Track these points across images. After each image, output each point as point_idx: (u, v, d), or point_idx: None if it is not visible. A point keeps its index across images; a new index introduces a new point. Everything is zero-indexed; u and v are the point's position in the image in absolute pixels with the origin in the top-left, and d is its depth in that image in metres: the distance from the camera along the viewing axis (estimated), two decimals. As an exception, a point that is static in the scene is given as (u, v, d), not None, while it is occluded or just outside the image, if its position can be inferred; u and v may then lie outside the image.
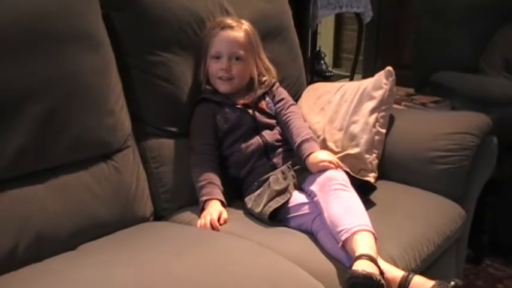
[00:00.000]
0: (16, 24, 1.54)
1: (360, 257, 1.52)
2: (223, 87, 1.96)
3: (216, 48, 1.94)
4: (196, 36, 1.99)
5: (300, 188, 1.82)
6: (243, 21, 2.00)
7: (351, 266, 1.51)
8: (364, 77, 4.49)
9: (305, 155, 1.85)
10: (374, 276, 1.46)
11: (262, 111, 1.99)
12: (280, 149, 1.95)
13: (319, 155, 1.82)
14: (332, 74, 4.60)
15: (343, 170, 1.80)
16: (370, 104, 2.10)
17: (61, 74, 1.62)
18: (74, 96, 1.65)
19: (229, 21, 1.97)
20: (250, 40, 1.97)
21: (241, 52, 1.95)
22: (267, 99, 2.03)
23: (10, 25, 1.53)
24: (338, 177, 1.74)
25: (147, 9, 1.90)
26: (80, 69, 1.67)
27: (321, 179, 1.74)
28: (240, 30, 1.96)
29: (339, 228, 1.60)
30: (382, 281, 1.47)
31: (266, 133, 1.96)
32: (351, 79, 4.20)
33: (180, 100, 1.97)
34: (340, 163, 1.82)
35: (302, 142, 1.89)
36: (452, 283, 1.52)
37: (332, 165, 1.78)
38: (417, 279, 1.56)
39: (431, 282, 1.54)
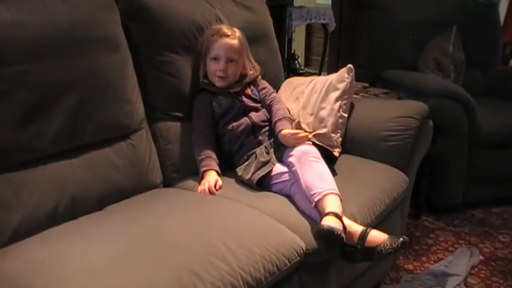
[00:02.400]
0: (55, 32, 1.55)
1: (328, 214, 1.52)
2: (219, 83, 1.94)
3: (215, 52, 1.92)
4: (196, 41, 1.98)
5: (280, 160, 1.80)
6: (235, 30, 1.98)
7: (321, 221, 1.51)
8: (329, 73, 4.51)
9: (277, 131, 1.85)
10: (335, 230, 1.47)
11: (249, 97, 1.97)
12: (265, 129, 1.94)
13: (287, 130, 1.82)
14: (304, 71, 4.60)
15: (314, 144, 1.80)
16: (335, 94, 2.10)
17: (89, 70, 1.62)
18: (99, 88, 1.65)
19: (225, 29, 1.95)
20: (242, 45, 1.96)
21: (236, 56, 1.94)
22: (251, 87, 2.02)
23: (50, 32, 1.54)
24: (312, 151, 1.72)
25: (158, 19, 1.88)
26: (104, 66, 1.66)
27: (297, 152, 1.72)
28: (235, 38, 1.94)
29: (312, 191, 1.60)
30: (343, 235, 1.48)
31: (253, 115, 1.94)
32: (319, 75, 4.16)
33: (183, 91, 1.95)
34: (301, 133, 1.80)
35: (276, 121, 1.89)
36: (401, 239, 1.52)
37: (299, 135, 1.77)
38: (373, 233, 1.56)
39: (385, 236, 1.55)
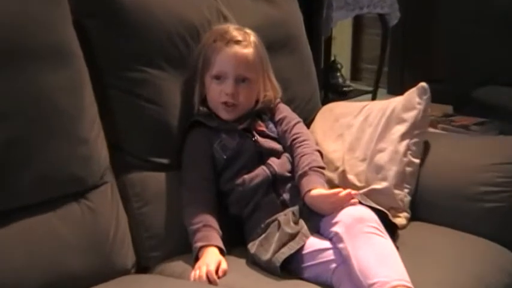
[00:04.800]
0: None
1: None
2: (226, 114, 1.97)
3: (220, 67, 1.94)
4: (188, 49, 2.01)
5: (317, 231, 1.81)
6: (249, 32, 2.01)
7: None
8: (390, 92, 4.50)
9: (303, 193, 1.86)
10: None
11: (263, 134, 2.00)
12: (292, 182, 1.95)
13: (317, 192, 1.83)
14: (350, 89, 4.63)
15: (368, 206, 1.80)
16: (400, 129, 2.10)
17: (21, 96, 1.63)
18: (37, 122, 1.66)
19: (234, 32, 1.98)
20: (260, 57, 1.99)
21: (250, 73, 1.96)
22: (264, 118, 2.05)
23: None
24: (369, 218, 1.73)
25: (129, 15, 1.90)
26: (45, 89, 1.68)
27: (347, 219, 1.73)
28: (248, 45, 1.97)
29: (371, 280, 1.59)
30: None
31: (273, 161, 1.96)
32: (374, 95, 4.25)
33: (169, 125, 1.97)
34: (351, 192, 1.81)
35: (301, 176, 1.90)
36: None
37: (340, 195, 1.77)
38: None
39: None
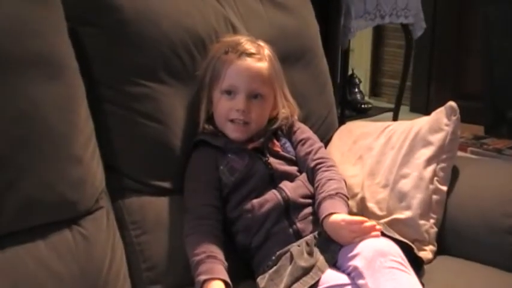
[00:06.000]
0: None
1: None
2: (236, 133, 1.98)
3: (231, 81, 1.95)
4: (193, 61, 2.02)
5: (333, 264, 1.80)
6: (262, 44, 2.03)
7: None
8: (414, 110, 4.49)
9: (322, 216, 1.85)
10: None
11: (278, 155, 2.01)
12: (307, 209, 1.95)
13: (340, 217, 1.81)
14: (369, 106, 4.62)
15: (390, 238, 1.80)
16: (426, 152, 2.09)
17: (9, 111, 1.62)
18: (26, 140, 1.65)
19: (247, 44, 1.99)
20: (275, 72, 2.01)
21: (264, 89, 1.97)
22: (281, 138, 2.05)
23: None
24: (392, 252, 1.73)
25: (129, 24, 1.91)
26: (34, 103, 1.67)
27: (368, 251, 1.72)
28: (263, 59, 1.99)
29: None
30: None
31: (286, 185, 1.95)
32: (396, 114, 4.23)
33: (171, 144, 1.98)
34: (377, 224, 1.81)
35: (322, 200, 1.89)
36: None
37: (364, 226, 1.77)
38: None
39: None
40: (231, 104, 1.96)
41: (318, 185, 1.96)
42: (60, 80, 1.74)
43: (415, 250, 1.89)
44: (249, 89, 1.95)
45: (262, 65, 1.98)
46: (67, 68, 1.78)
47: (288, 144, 2.06)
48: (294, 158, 2.04)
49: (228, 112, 1.96)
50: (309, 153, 2.04)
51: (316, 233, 1.88)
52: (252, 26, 2.16)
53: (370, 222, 1.78)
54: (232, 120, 1.96)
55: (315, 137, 2.10)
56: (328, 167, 2.01)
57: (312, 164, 2.01)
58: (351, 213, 1.88)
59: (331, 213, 1.83)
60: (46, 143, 1.69)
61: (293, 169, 2.01)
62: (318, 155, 2.03)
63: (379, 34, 5.49)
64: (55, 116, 1.72)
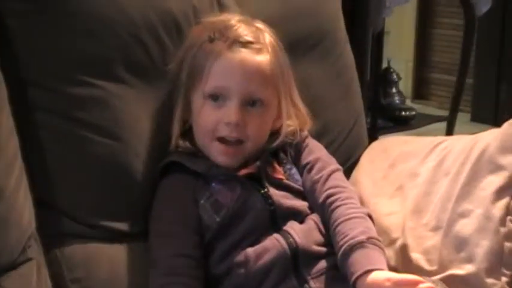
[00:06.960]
0: None
1: None
2: (224, 157, 1.74)
3: (218, 81, 1.73)
4: (163, 51, 1.82)
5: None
6: (261, 27, 1.82)
7: None
8: (477, 119, 4.34)
9: (355, 276, 1.63)
10: None
11: (281, 185, 1.79)
12: (323, 262, 1.73)
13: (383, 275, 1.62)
14: (412, 113, 4.56)
15: None
16: (495, 180, 1.84)
17: None
18: None
19: (241, 29, 1.78)
20: (280, 68, 1.79)
21: (265, 92, 1.75)
22: (284, 160, 1.85)
23: None
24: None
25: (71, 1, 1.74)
26: None
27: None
28: (263, 49, 1.77)
29: None
30: None
31: (293, 228, 1.74)
32: (451, 124, 4.08)
33: (130, 168, 1.77)
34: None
35: (351, 249, 1.67)
36: None
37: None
38: None
39: None
40: (218, 115, 1.73)
41: (336, 228, 1.75)
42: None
43: None
44: (244, 92, 1.73)
45: (263, 59, 1.76)
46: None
47: (294, 170, 1.85)
48: (302, 188, 1.84)
49: (215, 126, 1.74)
50: (316, 181, 1.82)
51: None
52: (247, 5, 1.97)
53: (426, 284, 1.58)
54: (220, 139, 1.73)
55: (328, 158, 1.90)
56: (343, 200, 1.79)
57: (322, 198, 1.79)
58: (388, 267, 1.69)
59: (369, 270, 1.62)
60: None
61: (303, 205, 1.80)
62: (329, 184, 1.82)
63: (426, 11, 5.38)
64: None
